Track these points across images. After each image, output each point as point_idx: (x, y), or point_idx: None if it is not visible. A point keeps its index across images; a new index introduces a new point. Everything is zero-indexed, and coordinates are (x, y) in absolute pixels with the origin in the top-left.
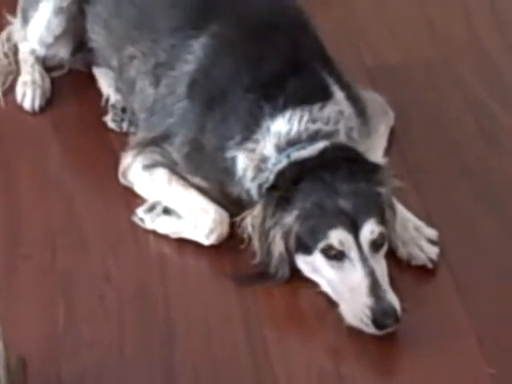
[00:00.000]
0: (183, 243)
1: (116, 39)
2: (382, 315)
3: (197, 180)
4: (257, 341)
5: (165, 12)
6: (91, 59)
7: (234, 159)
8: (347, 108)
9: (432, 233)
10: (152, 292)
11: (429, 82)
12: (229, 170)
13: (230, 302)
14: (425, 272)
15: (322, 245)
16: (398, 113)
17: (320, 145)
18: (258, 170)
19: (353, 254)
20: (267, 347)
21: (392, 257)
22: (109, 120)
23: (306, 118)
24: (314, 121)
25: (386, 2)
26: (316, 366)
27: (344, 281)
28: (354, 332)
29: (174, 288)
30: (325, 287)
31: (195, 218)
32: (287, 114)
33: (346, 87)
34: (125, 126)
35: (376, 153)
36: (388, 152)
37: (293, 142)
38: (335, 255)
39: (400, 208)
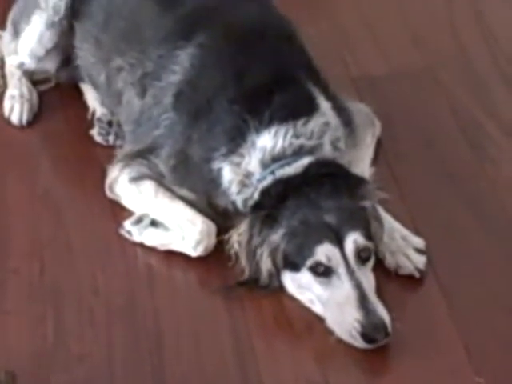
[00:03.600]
0: (171, 255)
1: (104, 53)
2: (371, 329)
3: (184, 192)
4: (245, 351)
5: (153, 23)
6: (76, 75)
7: (219, 170)
8: (333, 119)
9: (419, 242)
10: (140, 304)
11: (414, 92)
12: (215, 182)
13: (219, 314)
14: (412, 281)
15: (309, 262)
16: (384, 123)
17: (304, 161)
18: (243, 185)
19: (340, 268)
20: (256, 358)
21: (379, 266)
22: (95, 133)
23: (290, 133)
24: (297, 136)
25: (371, 13)
26: (304, 377)
27: (332, 296)
28: (343, 342)
29: (162, 300)
30: (308, 303)
31: (182, 229)
32: (273, 130)
33: (331, 98)
34: (111, 139)
35: (363, 163)
36: (374, 162)
37: (277, 158)
38: (323, 272)
39: (387, 218)
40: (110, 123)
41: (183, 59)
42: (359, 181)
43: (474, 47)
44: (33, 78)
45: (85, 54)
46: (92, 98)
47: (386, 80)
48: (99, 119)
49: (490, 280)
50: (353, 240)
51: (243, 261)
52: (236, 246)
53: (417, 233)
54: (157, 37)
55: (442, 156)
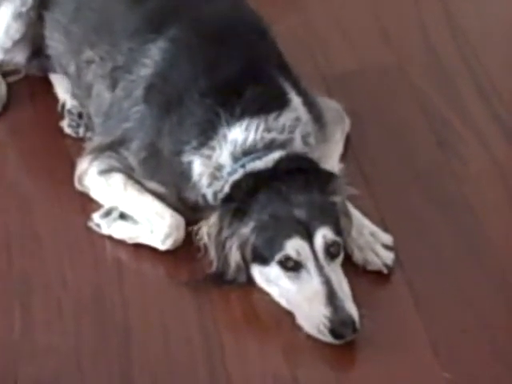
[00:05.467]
0: (140, 248)
1: (74, 44)
2: (339, 325)
3: (153, 185)
4: (213, 345)
5: (123, 16)
6: (47, 65)
7: (190, 163)
8: (304, 114)
9: (387, 238)
10: (109, 297)
11: (384, 89)
12: (185, 175)
13: (187, 308)
14: (380, 277)
15: (278, 256)
16: (354, 119)
17: (275, 155)
18: (213, 177)
19: (309, 263)
20: (223, 352)
21: (347, 262)
22: (65, 125)
23: (262, 127)
24: (269, 130)
25: (342, 10)
26: (272, 371)
27: (301, 291)
28: (311, 337)
29: (130, 293)
30: (277, 297)
31: (151, 223)
32: (244, 123)
33: (302, 93)
34: (81, 131)
35: (332, 159)
36: (343, 158)
37: (248, 152)
38: (292, 266)
39: (356, 214)
40: (80, 115)
41: (154, 53)
42: (329, 176)
43: (443, 45)
44: (1, 70)
45: (55, 44)
46: (62, 90)
47: (355, 77)
48: (69, 111)
49: (456, 276)
50: (322, 235)
51: (212, 253)
52: (205, 237)
53: (385, 229)
54: (127, 30)
55: (411, 152)
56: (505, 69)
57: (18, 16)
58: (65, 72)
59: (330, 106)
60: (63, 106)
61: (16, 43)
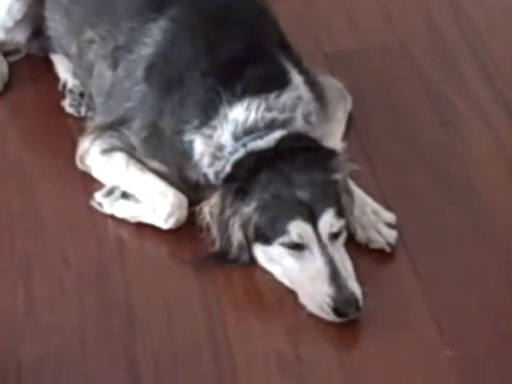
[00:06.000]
0: (142, 227)
1: (75, 25)
2: (343, 304)
3: (155, 164)
4: (216, 324)
5: None
6: (48, 45)
7: (191, 143)
8: (305, 93)
9: (390, 216)
10: (111, 276)
11: (386, 68)
12: (186, 154)
13: (190, 287)
14: (383, 256)
15: (281, 239)
16: (356, 98)
17: (276, 134)
18: (215, 157)
19: (312, 244)
20: (226, 330)
21: (350, 240)
22: (67, 105)
23: (263, 106)
24: (270, 109)
25: None
26: (275, 349)
27: (304, 269)
28: (314, 316)
29: (133, 272)
30: (280, 276)
31: (154, 202)
32: (245, 102)
33: (304, 72)
34: (83, 110)
35: (334, 137)
36: (346, 137)
37: (249, 131)
38: (295, 246)
39: (358, 192)
40: (81, 94)
41: (155, 32)
42: (330, 153)
43: (446, 24)
44: (3, 49)
45: (56, 25)
46: (63, 70)
47: (357, 55)
48: (71, 90)
49: (460, 255)
50: (329, 223)
51: (214, 232)
52: (208, 217)
53: (388, 208)
54: (128, 10)
55: (413, 132)
56: (508, 49)
57: None
58: (65, 53)
59: (332, 84)
60: (64, 85)
61: (17, 23)
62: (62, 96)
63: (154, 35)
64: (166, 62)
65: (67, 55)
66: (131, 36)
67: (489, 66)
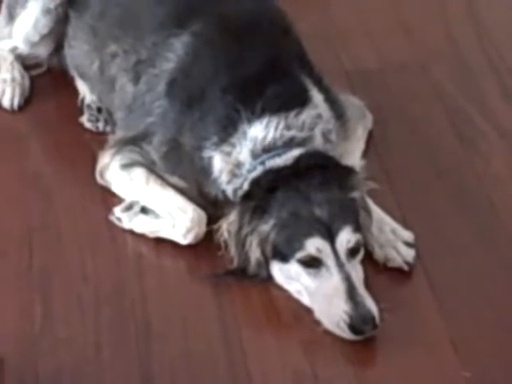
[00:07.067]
0: (161, 243)
1: (99, 40)
2: (359, 321)
3: (175, 180)
4: (233, 340)
5: (149, 10)
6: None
7: (210, 159)
8: (325, 111)
9: (408, 235)
10: (129, 291)
11: (406, 86)
12: (205, 170)
13: (207, 303)
14: (401, 274)
15: (299, 255)
16: (376, 116)
17: (294, 153)
18: (233, 174)
19: (329, 261)
20: (243, 347)
21: (368, 259)
22: (85, 120)
23: (282, 124)
24: (289, 128)
25: (364, 7)
26: (291, 366)
27: (321, 287)
28: (330, 333)
29: (150, 288)
30: (297, 294)
31: (173, 217)
32: (265, 120)
33: (324, 90)
34: (101, 126)
35: (354, 155)
36: (365, 155)
37: (268, 149)
38: (312, 263)
39: (377, 210)
40: (99, 110)
41: (177, 47)
42: (348, 171)
43: (467, 42)
44: (24, 63)
45: (78, 43)
46: (82, 84)
47: (378, 73)
48: (89, 106)
49: (477, 274)
50: (346, 239)
51: (232, 249)
52: (226, 234)
53: (406, 226)
54: (152, 24)
55: (433, 150)
56: None
57: (46, 11)
58: (82, 73)
59: (353, 102)
60: (82, 101)
61: (42, 38)
62: (81, 111)
63: (176, 50)
64: (187, 77)
65: (83, 75)
66: (154, 50)
67: (508, 82)
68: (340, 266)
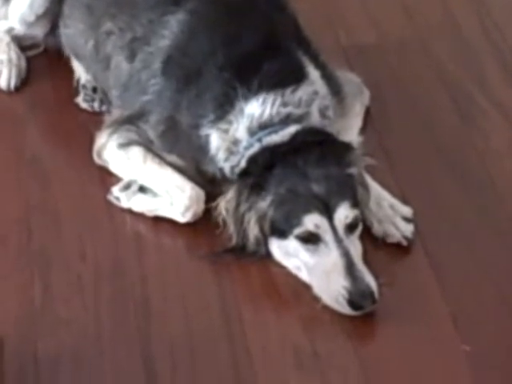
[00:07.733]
0: (159, 221)
1: (95, 18)
2: (358, 296)
3: (172, 158)
4: (232, 317)
5: None
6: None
7: (207, 137)
8: (322, 87)
9: (407, 210)
10: (128, 270)
11: (404, 62)
12: (203, 148)
13: (206, 280)
14: (399, 249)
15: (297, 231)
16: (374, 92)
17: (291, 129)
18: (230, 152)
19: (328, 236)
20: (242, 324)
21: (367, 234)
22: (80, 100)
23: (278, 101)
24: (285, 104)
25: None
26: (291, 342)
27: (319, 263)
28: (329, 309)
29: (150, 266)
30: (296, 270)
31: (171, 195)
32: (261, 97)
33: (321, 66)
34: (96, 105)
35: (351, 132)
36: (363, 131)
37: (264, 126)
38: (310, 239)
39: (375, 186)
40: (94, 89)
41: (173, 24)
42: (345, 147)
43: (465, 18)
44: (21, 44)
45: (74, 22)
46: (78, 65)
47: (375, 49)
48: (84, 86)
49: (476, 249)
50: (344, 215)
51: (231, 227)
52: (224, 212)
53: (405, 201)
54: (148, 1)
55: (431, 126)
56: None
57: None
58: (77, 53)
59: (350, 79)
60: (78, 81)
61: (38, 18)
62: (77, 92)
63: (172, 27)
64: (183, 55)
65: (78, 54)
66: (149, 28)
67: (508, 58)
68: (338, 241)
